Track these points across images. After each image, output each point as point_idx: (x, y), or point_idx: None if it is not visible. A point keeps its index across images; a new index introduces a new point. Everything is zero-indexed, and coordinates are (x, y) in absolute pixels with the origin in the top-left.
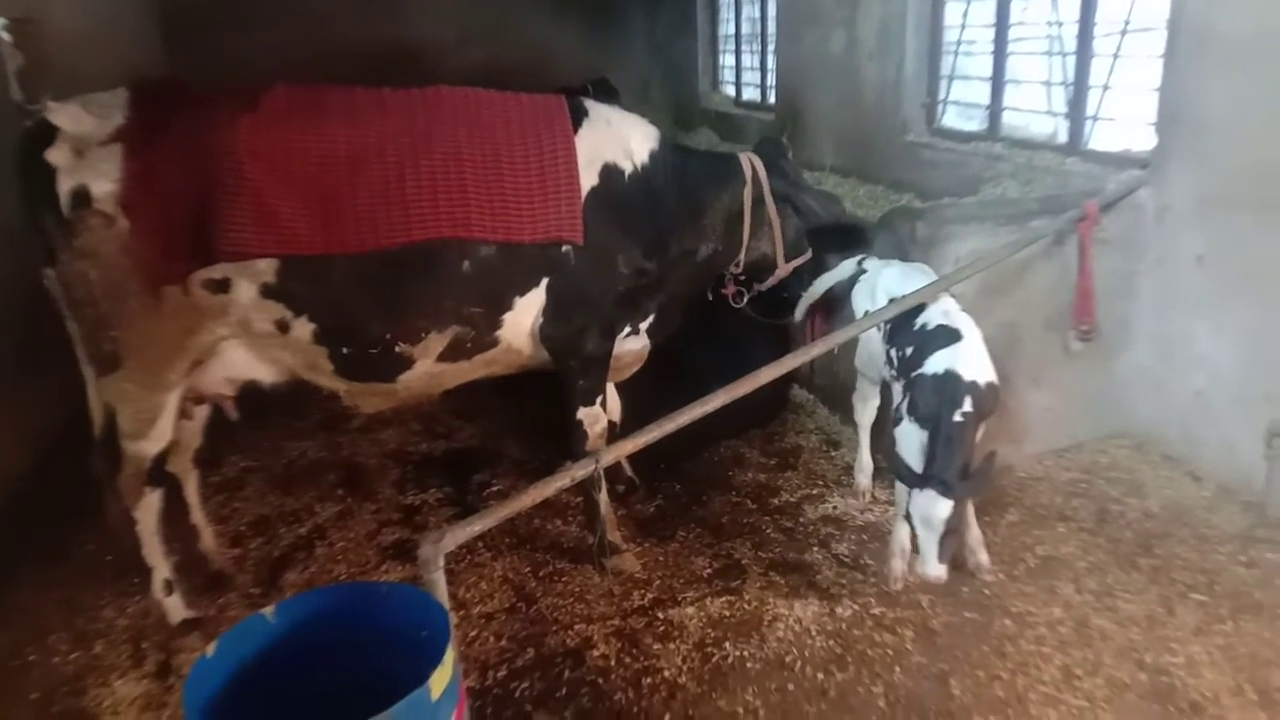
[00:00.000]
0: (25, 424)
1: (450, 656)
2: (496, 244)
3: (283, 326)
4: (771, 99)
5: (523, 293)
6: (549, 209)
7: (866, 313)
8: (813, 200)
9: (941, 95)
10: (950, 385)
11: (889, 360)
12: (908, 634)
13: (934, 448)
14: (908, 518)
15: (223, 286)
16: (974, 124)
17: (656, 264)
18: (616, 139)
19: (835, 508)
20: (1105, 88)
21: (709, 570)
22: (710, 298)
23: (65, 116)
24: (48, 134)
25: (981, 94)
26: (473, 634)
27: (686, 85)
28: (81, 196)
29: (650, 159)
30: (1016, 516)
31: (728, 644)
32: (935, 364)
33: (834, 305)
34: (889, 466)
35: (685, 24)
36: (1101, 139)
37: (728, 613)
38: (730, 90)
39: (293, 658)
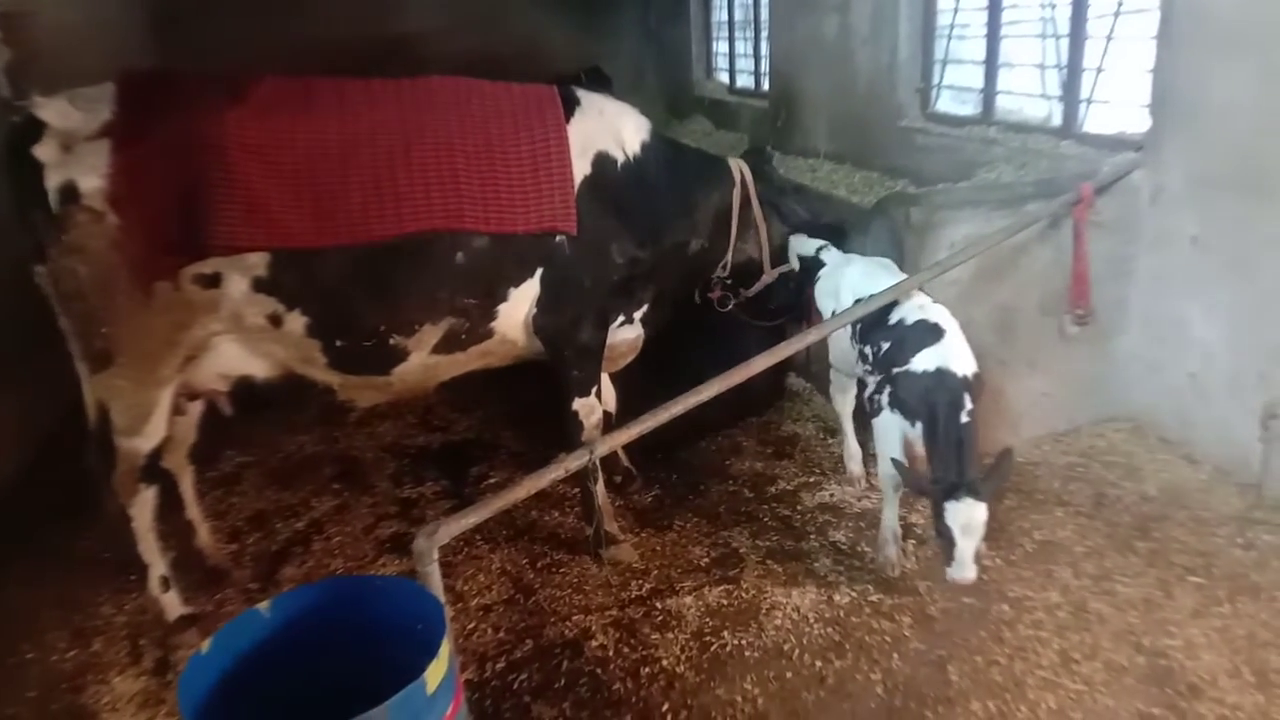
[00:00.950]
0: (20, 421)
1: (446, 649)
2: (490, 235)
3: (275, 320)
4: (765, 86)
5: (517, 283)
6: (542, 199)
7: (834, 312)
8: (795, 203)
9: (935, 80)
10: (947, 385)
11: (861, 356)
12: (905, 620)
13: (947, 453)
14: (943, 529)
15: (214, 281)
16: (968, 108)
17: (649, 253)
18: (609, 128)
19: (832, 495)
20: (1099, 70)
21: (706, 559)
22: (698, 300)
23: (52, 111)
24: (35, 129)
25: (975, 78)
26: (471, 626)
27: (680, 73)
28: (69, 192)
29: (642, 149)
30: (1013, 501)
31: (726, 633)
32: (923, 362)
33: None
34: (906, 483)
35: (678, 11)
36: (1096, 122)
37: (726, 602)
38: (724, 77)
39: (288, 652)
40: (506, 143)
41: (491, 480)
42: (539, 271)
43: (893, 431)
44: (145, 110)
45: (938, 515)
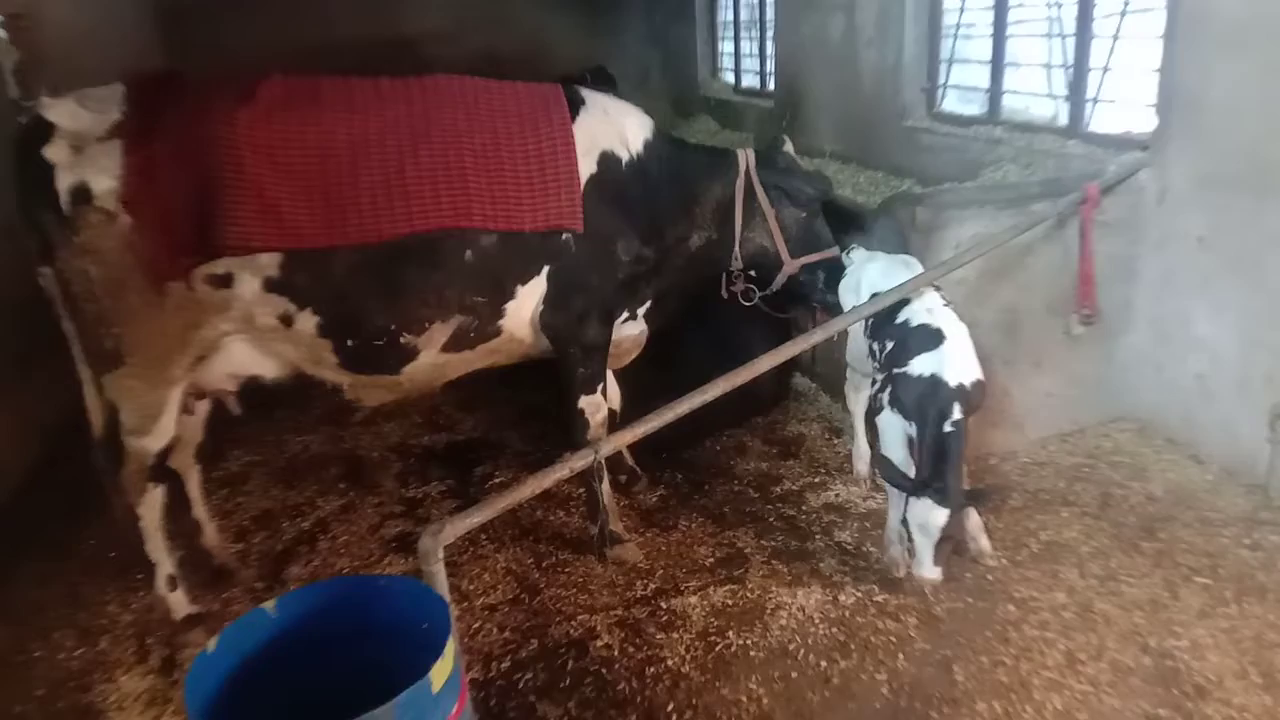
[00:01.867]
0: (27, 420)
1: (451, 649)
2: (498, 233)
3: (286, 320)
4: (771, 86)
5: (524, 281)
6: (549, 197)
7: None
8: (802, 183)
9: (941, 79)
10: (937, 392)
11: (871, 353)
12: (911, 621)
13: (925, 456)
14: (904, 523)
15: (225, 281)
16: (974, 108)
17: (654, 250)
18: (613, 127)
19: (838, 495)
20: (1105, 69)
21: (711, 559)
22: (724, 295)
23: (62, 112)
24: (44, 130)
25: (981, 77)
26: (476, 626)
27: (685, 73)
28: (82, 193)
29: (645, 147)
30: (1019, 502)
31: (731, 633)
32: (920, 366)
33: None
34: (882, 473)
35: (683, 11)
36: (1102, 121)
37: (731, 602)
38: (729, 77)
39: (294, 651)
40: (514, 141)
41: (496, 480)
42: (546, 269)
43: (894, 430)
44: (155, 111)
45: (903, 511)
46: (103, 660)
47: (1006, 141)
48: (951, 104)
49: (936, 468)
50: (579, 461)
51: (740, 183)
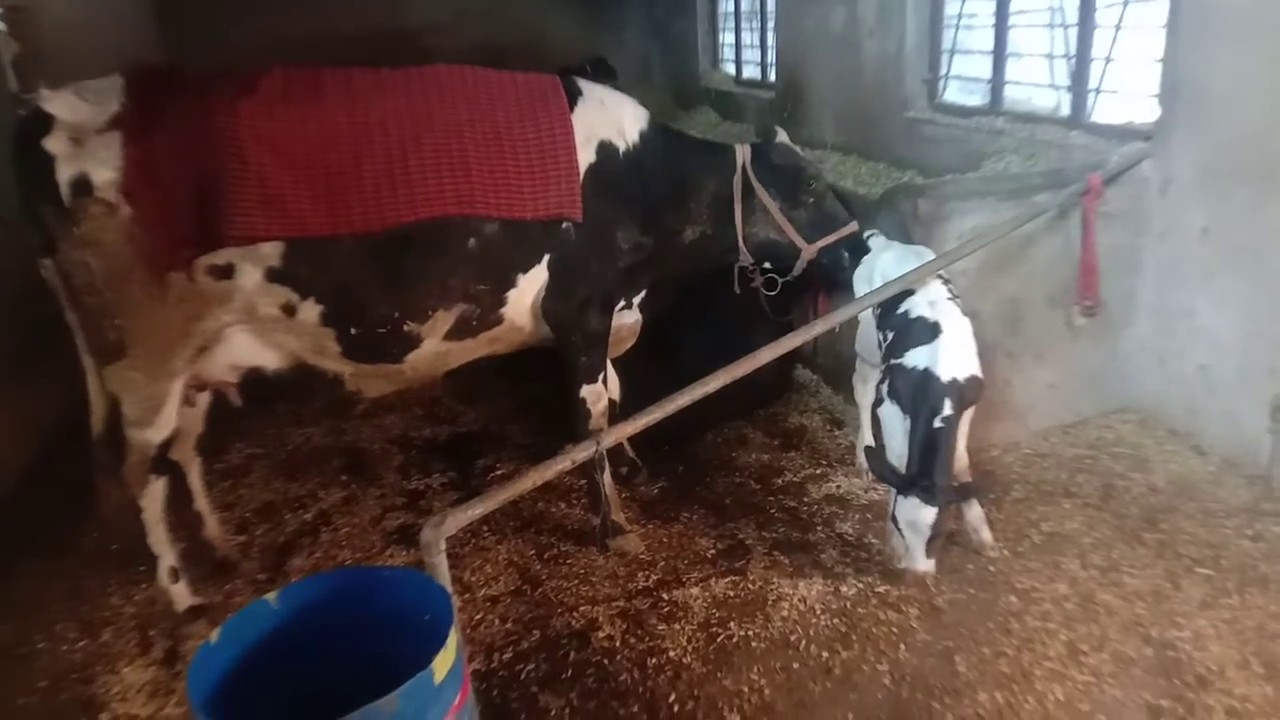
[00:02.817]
0: (28, 414)
1: (453, 639)
2: (500, 221)
3: (289, 310)
4: (772, 77)
5: (526, 269)
6: (549, 186)
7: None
8: (795, 176)
9: (943, 70)
10: (928, 386)
11: (879, 343)
12: (912, 611)
13: (914, 451)
14: (894, 519)
15: (227, 272)
16: (976, 99)
17: (652, 239)
18: (610, 118)
19: (839, 487)
20: (1108, 59)
21: (713, 551)
22: (736, 290)
23: (61, 104)
24: (43, 122)
25: (983, 68)
26: (478, 617)
27: (686, 64)
28: (82, 185)
29: (640, 138)
30: (1021, 493)
31: (732, 624)
32: (914, 359)
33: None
34: (871, 466)
35: (684, 2)
36: (1104, 111)
37: (732, 593)
38: (730, 68)
39: (296, 643)
40: (514, 130)
41: (498, 472)
42: (547, 258)
43: (895, 423)
44: (155, 102)
45: (893, 506)
46: (105, 652)
47: (1009, 132)
48: (953, 95)
49: (925, 464)
50: (580, 453)
51: (738, 179)
